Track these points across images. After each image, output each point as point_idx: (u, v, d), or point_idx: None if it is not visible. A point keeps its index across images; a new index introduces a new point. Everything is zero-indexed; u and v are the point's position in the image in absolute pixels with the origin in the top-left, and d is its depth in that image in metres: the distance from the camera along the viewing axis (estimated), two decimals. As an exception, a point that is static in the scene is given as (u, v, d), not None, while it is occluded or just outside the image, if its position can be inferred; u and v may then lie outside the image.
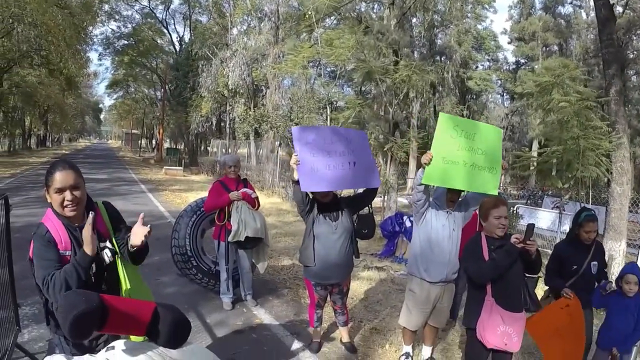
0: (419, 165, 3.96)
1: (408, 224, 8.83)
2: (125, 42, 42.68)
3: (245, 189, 5.78)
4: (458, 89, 37.00)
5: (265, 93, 25.37)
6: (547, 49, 38.14)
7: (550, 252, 4.51)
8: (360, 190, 4.74)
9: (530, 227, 3.39)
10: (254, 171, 22.96)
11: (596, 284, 4.19)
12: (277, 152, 20.73)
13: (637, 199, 9.72)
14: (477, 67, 39.20)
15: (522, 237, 3.33)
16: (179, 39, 42.71)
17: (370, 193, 4.62)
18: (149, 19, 41.98)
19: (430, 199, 4.28)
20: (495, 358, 3.56)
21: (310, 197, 4.41)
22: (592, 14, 27.92)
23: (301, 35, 24.17)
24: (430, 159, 3.83)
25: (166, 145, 50.75)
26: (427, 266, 4.17)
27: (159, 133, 45.20)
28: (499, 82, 40.34)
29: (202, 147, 43.48)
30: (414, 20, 32.39)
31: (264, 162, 22.42)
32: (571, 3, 37.45)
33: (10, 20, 22.80)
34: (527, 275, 3.60)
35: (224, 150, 27.75)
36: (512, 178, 30.00)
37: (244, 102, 26.71)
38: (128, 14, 41.02)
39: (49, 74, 34.66)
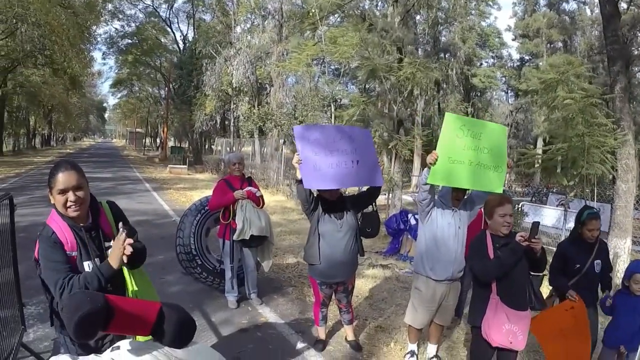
0: (424, 163, 3.94)
1: (413, 221, 8.82)
2: (129, 41, 42.79)
3: (249, 188, 5.78)
4: (462, 86, 36.94)
5: (270, 91, 25.38)
6: (552, 45, 38.00)
7: (555, 249, 4.49)
8: (365, 189, 4.73)
9: (536, 225, 3.37)
10: (259, 169, 22.96)
11: (600, 283, 4.18)
12: (282, 150, 20.70)
13: (643, 197, 9.67)
14: (481, 64, 39.14)
15: (527, 235, 3.32)
16: (182, 37, 42.85)
17: (374, 192, 4.61)
18: (152, 18, 42.05)
19: (436, 198, 4.27)
20: (501, 356, 3.55)
21: (315, 195, 4.41)
22: (597, 10, 27.88)
23: (305, 33, 24.18)
24: (436, 159, 3.83)
25: (170, 143, 50.77)
26: (433, 264, 4.17)
27: (163, 132, 45.29)
28: (504, 79, 40.31)
29: (207, 146, 43.53)
30: (418, 17, 32.37)
31: (269, 160, 22.42)
32: (575, -1, 37.36)
33: (14, 20, 22.84)
34: (532, 273, 3.59)
35: (228, 148, 27.76)
36: (517, 175, 29.88)
37: (248, 101, 26.71)
38: (131, 13, 41.19)
39: (53, 73, 34.69)
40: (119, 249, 2.33)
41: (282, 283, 7.01)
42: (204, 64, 28.65)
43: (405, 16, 16.28)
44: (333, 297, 4.73)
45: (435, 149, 3.90)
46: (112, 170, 26.72)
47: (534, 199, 20.87)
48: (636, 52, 29.19)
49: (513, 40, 41.21)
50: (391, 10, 15.49)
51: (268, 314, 5.73)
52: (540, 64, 34.63)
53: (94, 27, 33.27)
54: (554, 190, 19.82)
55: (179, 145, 49.03)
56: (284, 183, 18.80)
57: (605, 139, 7.59)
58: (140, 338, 2.28)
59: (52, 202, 2.43)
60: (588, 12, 35.90)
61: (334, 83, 23.81)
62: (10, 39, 27.55)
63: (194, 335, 2.22)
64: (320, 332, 4.86)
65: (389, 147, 11.81)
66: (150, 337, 2.15)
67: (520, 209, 12.21)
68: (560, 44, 38.23)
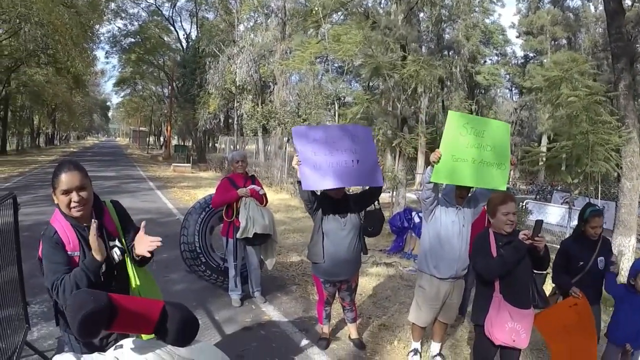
0: (428, 161, 3.94)
1: (417, 219, 8.81)
2: (132, 40, 42.80)
3: (253, 186, 5.78)
4: (466, 83, 36.86)
5: (273, 89, 25.35)
6: (556, 42, 37.90)
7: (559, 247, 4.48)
8: (367, 188, 4.72)
9: (539, 223, 3.36)
10: (262, 167, 22.97)
11: (603, 280, 4.16)
12: (285, 148, 20.70)
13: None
14: (485, 61, 39.04)
15: (530, 233, 3.31)
16: (185, 36, 42.80)
17: (375, 191, 4.60)
18: (155, 17, 42.03)
19: (440, 196, 4.27)
20: (504, 354, 3.55)
21: (318, 194, 4.41)
22: (601, 7, 27.70)
23: (308, 31, 24.17)
24: (439, 157, 3.82)
25: (174, 142, 50.82)
26: (437, 263, 4.17)
27: (166, 130, 45.31)
28: (508, 76, 40.17)
29: (210, 144, 43.52)
30: (422, 15, 32.22)
31: (272, 158, 22.43)
32: (579, -4, 37.24)
33: (17, 20, 22.88)
34: (536, 271, 3.58)
35: (232, 146, 27.79)
36: (521, 173, 29.84)
37: (252, 99, 26.70)
38: (134, 11, 41.09)
39: (56, 72, 34.83)
40: (94, 240, 2.33)
41: (285, 281, 7.01)
42: (207, 63, 28.64)
43: (409, 14, 16.27)
44: (337, 295, 4.74)
45: (439, 147, 3.89)
46: (116, 169, 26.77)
47: (538, 196, 20.81)
48: (641, 49, 29.03)
49: (517, 37, 41.17)
50: (394, 7, 15.48)
51: (272, 312, 5.73)
52: (545, 61, 34.58)
53: (97, 26, 33.39)
54: (559, 188, 19.77)
55: (182, 143, 49.01)
56: (288, 181, 18.80)
57: (609, 137, 7.58)
58: (143, 336, 2.29)
59: (56, 202, 2.44)
60: (592, 9, 35.79)
61: (337, 81, 23.79)
62: (14, 39, 27.67)
63: (196, 333, 2.22)
64: (324, 330, 4.86)
65: (393, 145, 11.82)
66: (153, 335, 2.16)
67: (524, 207, 12.18)
68: (564, 41, 38.11)
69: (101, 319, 1.96)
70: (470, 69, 35.52)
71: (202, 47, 31.92)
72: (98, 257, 2.35)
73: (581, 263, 3.99)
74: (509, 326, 3.34)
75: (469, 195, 4.33)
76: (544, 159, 9.82)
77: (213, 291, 6.31)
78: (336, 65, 26.98)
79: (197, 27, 39.54)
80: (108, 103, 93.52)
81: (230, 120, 33.36)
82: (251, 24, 29.68)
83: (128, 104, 67.16)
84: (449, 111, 4.17)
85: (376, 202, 4.79)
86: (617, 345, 4.01)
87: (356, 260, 4.54)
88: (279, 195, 17.43)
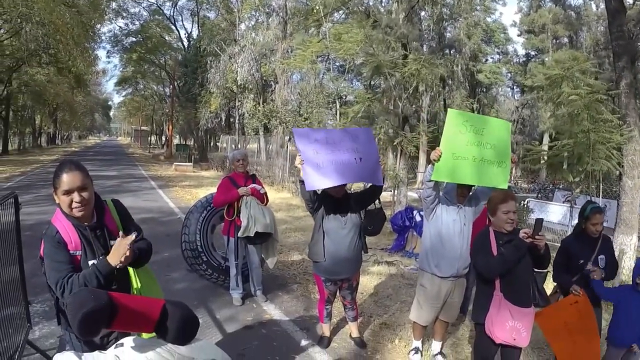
0: (429, 160, 3.93)
1: (418, 218, 8.81)
2: (134, 39, 42.88)
3: (253, 185, 5.79)
4: (468, 82, 36.81)
5: (274, 88, 25.36)
6: (557, 41, 37.82)
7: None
8: (369, 186, 4.72)
9: (539, 221, 3.36)
10: (264, 166, 22.98)
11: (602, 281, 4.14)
12: (287, 147, 20.68)
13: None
14: (486, 60, 38.97)
15: (530, 232, 3.31)
16: (187, 35, 42.80)
17: (376, 190, 4.59)
18: (156, 16, 42.10)
19: (441, 194, 4.26)
20: (504, 353, 3.55)
21: (319, 193, 4.41)
22: (602, 5, 27.62)
23: (309, 30, 24.11)
24: (439, 156, 3.82)
25: (176, 141, 50.87)
26: (438, 261, 4.17)
27: (168, 129, 45.33)
28: (509, 75, 40.09)
29: (212, 143, 43.51)
30: (423, 13, 32.19)
31: (274, 157, 22.43)
32: (581, -6, 37.16)
33: (19, 19, 22.90)
34: (536, 270, 3.58)
35: (233, 145, 27.78)
36: (522, 171, 29.83)
37: (253, 98, 26.71)
38: (135, 11, 41.17)
39: (57, 72, 34.83)
40: (120, 249, 2.34)
41: (287, 280, 7.01)
42: (209, 62, 28.64)
43: (410, 12, 16.23)
44: (338, 294, 4.74)
45: (439, 146, 3.89)
46: (118, 168, 26.80)
47: (539, 195, 20.79)
48: (642, 48, 28.97)
49: (518, 36, 41.06)
50: (396, 6, 15.44)
51: (273, 311, 5.74)
52: (546, 59, 34.48)
53: (98, 26, 33.38)
54: (560, 187, 19.74)
55: (184, 142, 48.99)
56: (290, 180, 18.80)
57: (611, 135, 7.56)
58: (144, 335, 2.30)
59: (57, 201, 2.45)
60: (594, 7, 35.70)
61: (338, 80, 23.72)
62: (15, 39, 27.71)
63: (197, 332, 2.23)
64: (325, 329, 4.87)
65: (394, 143, 11.81)
66: (154, 334, 2.17)
67: (526, 205, 12.18)
68: (566, 40, 38.04)
69: (101, 318, 1.97)
70: (472, 67, 35.45)
71: (204, 46, 31.84)
72: (113, 262, 2.36)
73: (581, 261, 3.98)
74: (509, 325, 3.34)
75: (470, 193, 4.32)
76: (545, 157, 9.80)
77: (214, 290, 6.32)
78: (337, 64, 26.94)
79: (198, 26, 39.56)
80: (109, 102, 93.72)
81: (231, 119, 33.40)
82: (252, 22, 29.67)
83: (129, 103, 67.26)
84: (449, 109, 4.17)
85: (377, 202, 4.79)
86: (617, 347, 3.99)
87: (357, 259, 4.54)
88: (280, 194, 17.44)
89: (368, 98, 12.78)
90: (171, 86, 42.63)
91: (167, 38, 44.36)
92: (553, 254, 4.04)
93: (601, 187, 8.42)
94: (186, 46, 41.47)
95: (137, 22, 41.78)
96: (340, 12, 23.22)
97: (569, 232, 8.77)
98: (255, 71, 25.32)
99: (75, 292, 2.18)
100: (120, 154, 46.60)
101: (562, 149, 8.30)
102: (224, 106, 30.10)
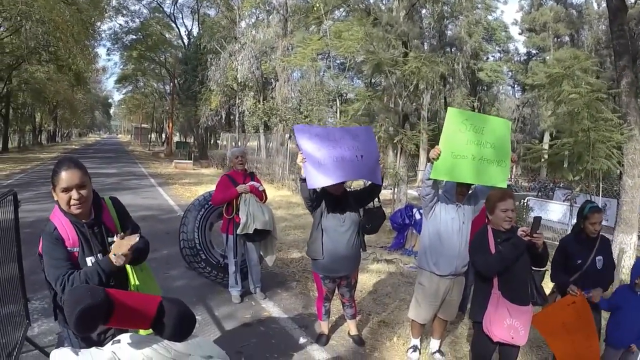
0: (430, 158, 3.93)
1: (418, 216, 8.81)
2: (134, 37, 42.86)
3: (252, 182, 5.79)
4: (469, 80, 36.79)
5: (275, 86, 25.37)
6: (559, 39, 37.80)
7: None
8: (368, 184, 4.71)
9: (537, 220, 3.36)
10: (264, 164, 22.99)
11: (601, 280, 4.13)
12: (287, 145, 20.68)
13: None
14: (487, 58, 38.93)
15: (528, 230, 3.31)
16: (187, 33, 42.86)
17: (375, 189, 4.58)
18: (156, 14, 42.08)
19: (440, 192, 4.26)
20: (502, 351, 3.55)
21: (318, 191, 4.40)
22: (604, 4, 27.62)
23: (310, 28, 24.13)
24: (438, 154, 3.82)
25: (176, 139, 50.93)
26: (437, 259, 4.17)
27: (168, 127, 45.34)
28: (510, 73, 40.09)
29: (212, 141, 43.55)
30: (424, 11, 32.18)
31: (274, 155, 22.43)
32: (582, -7, 37.11)
33: (19, 17, 22.89)
34: (534, 268, 3.58)
35: (233, 143, 27.78)
36: (523, 170, 29.80)
37: (253, 95, 26.72)
38: (136, 8, 41.12)
39: (57, 70, 34.83)
40: (123, 248, 2.35)
41: (286, 278, 7.02)
42: (209, 59, 28.63)
43: (411, 10, 16.26)
44: (336, 291, 4.74)
45: (439, 144, 3.89)
46: (118, 166, 26.82)
47: (540, 193, 20.76)
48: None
49: (520, 34, 41.10)
50: (396, 4, 15.45)
51: (271, 308, 5.75)
52: (547, 58, 34.48)
53: (98, 24, 33.31)
54: (561, 185, 19.72)
55: (184, 140, 49.06)
56: (290, 178, 18.82)
57: (611, 134, 7.57)
58: (141, 332, 2.30)
59: (56, 199, 2.46)
60: (595, 6, 35.68)
61: (339, 77, 23.75)
62: (15, 36, 27.73)
63: (193, 329, 2.23)
64: (323, 326, 4.87)
65: (395, 141, 11.81)
66: (151, 330, 2.17)
67: (526, 204, 12.17)
68: (567, 38, 38.01)
69: (98, 314, 1.97)
70: (473, 65, 35.42)
71: (204, 43, 31.81)
72: (116, 263, 2.36)
73: (579, 261, 3.96)
74: (507, 323, 3.34)
75: (470, 192, 4.32)
76: (546, 156, 9.79)
77: (213, 287, 6.32)
78: (338, 61, 26.96)
79: (198, 24, 39.57)
80: (110, 100, 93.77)
81: (231, 117, 33.35)
82: (253, 20, 29.66)
83: (130, 101, 67.33)
84: (448, 108, 4.16)
85: (377, 200, 4.78)
86: (615, 347, 3.98)
87: (355, 257, 4.54)
88: (280, 191, 17.44)
89: (368, 96, 12.76)
90: (171, 84, 42.60)
91: (167, 36, 44.38)
92: (552, 253, 4.04)
93: (601, 185, 8.42)
94: (186, 44, 41.50)
95: (137, 20, 41.83)
96: (341, 9, 23.28)
97: (569, 231, 8.80)
98: (255, 69, 25.33)
99: (72, 288, 2.18)
100: (120, 152, 46.64)
101: (563, 148, 8.31)
102: (224, 104, 30.08)
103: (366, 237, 4.72)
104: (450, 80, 34.61)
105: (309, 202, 4.42)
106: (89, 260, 2.45)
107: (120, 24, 42.04)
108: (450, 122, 3.91)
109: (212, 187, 6.03)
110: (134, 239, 2.38)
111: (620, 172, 7.90)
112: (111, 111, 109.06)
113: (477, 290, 3.63)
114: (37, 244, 2.45)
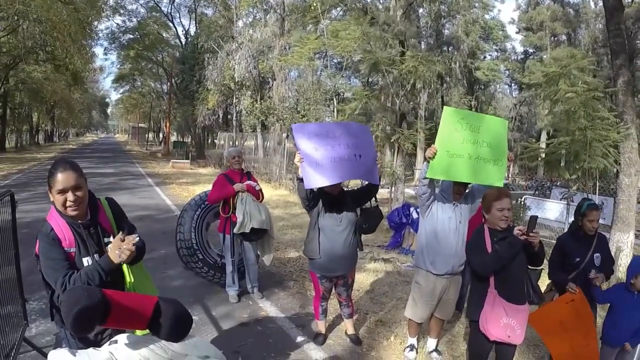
0: (426, 157, 3.93)
1: (415, 215, 8.82)
2: (131, 36, 42.73)
3: (249, 182, 5.79)
4: (466, 79, 36.84)
5: (272, 85, 25.37)
6: (556, 38, 37.86)
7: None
8: (365, 184, 4.71)
9: (533, 219, 3.37)
10: (261, 163, 22.98)
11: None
12: (284, 144, 20.70)
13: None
14: (484, 57, 38.94)
15: (525, 229, 3.32)
16: (184, 32, 42.85)
17: (372, 189, 4.58)
18: (154, 13, 42.00)
19: (437, 192, 4.26)
20: (499, 350, 3.56)
21: (315, 191, 4.39)
22: (600, 3, 27.64)
23: (307, 27, 24.14)
24: (435, 153, 3.82)
25: (173, 138, 50.89)
26: (434, 259, 4.17)
27: (165, 126, 45.35)
28: (507, 72, 40.14)
29: (209, 140, 43.55)
30: (421, 10, 32.24)
31: (271, 154, 22.43)
32: (579, -8, 37.15)
33: (16, 17, 22.89)
34: (530, 267, 3.59)
35: (230, 143, 27.77)
36: (520, 169, 29.88)
37: (251, 95, 26.71)
38: (133, 8, 41.02)
39: (54, 69, 34.75)
40: (119, 247, 2.35)
41: (283, 277, 7.03)
42: (206, 59, 28.65)
43: (408, 9, 16.28)
44: (333, 290, 4.74)
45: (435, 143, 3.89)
46: (115, 166, 26.75)
47: (537, 192, 20.78)
48: (640, 45, 29.00)
49: (517, 33, 41.11)
50: (393, 3, 15.45)
51: (269, 308, 5.75)
52: (544, 57, 34.55)
53: (96, 23, 33.17)
54: (558, 184, 19.75)
55: (181, 139, 49.06)
56: (287, 177, 18.81)
57: (607, 133, 7.57)
58: (138, 332, 2.30)
59: (52, 199, 2.46)
60: (592, 5, 35.71)
61: (336, 77, 23.77)
62: (12, 36, 27.63)
63: (190, 329, 2.24)
64: (320, 326, 4.87)
65: (392, 140, 11.81)
66: (147, 331, 2.17)
67: (522, 203, 12.18)
68: (564, 37, 38.06)
69: (95, 315, 1.97)
70: (470, 64, 35.46)
71: (201, 43, 31.78)
72: (115, 260, 2.36)
73: (577, 259, 3.98)
74: (503, 322, 3.35)
75: (467, 191, 4.32)
76: (543, 154, 9.81)
77: (210, 287, 6.32)
78: (335, 61, 26.93)
79: (195, 23, 39.52)
80: (107, 100, 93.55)
81: (229, 117, 33.34)
82: (250, 19, 29.63)
83: (127, 100, 67.20)
84: (444, 107, 4.16)
85: (374, 199, 4.79)
86: (612, 346, 3.99)
87: (352, 256, 4.54)
88: (277, 191, 17.44)
89: (365, 95, 12.77)
90: (169, 83, 42.61)
91: (164, 35, 44.30)
92: (549, 251, 4.05)
93: (598, 184, 8.43)
94: (184, 43, 41.42)
95: (134, 19, 41.73)
96: (338, 9, 23.27)
97: (566, 229, 8.82)
98: (252, 68, 25.33)
99: (69, 289, 2.18)
100: (117, 152, 46.52)
101: (559, 147, 8.30)
102: (222, 103, 30.08)
103: (363, 236, 4.72)
104: (448, 79, 34.67)
105: (306, 202, 4.42)
106: (85, 261, 2.45)
107: (118, 24, 42.28)
108: (446, 121, 3.91)
109: (210, 187, 6.03)
110: (134, 238, 2.39)
111: (617, 170, 7.91)
112: (108, 111, 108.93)
113: (473, 289, 3.64)
114: (35, 245, 2.45)
